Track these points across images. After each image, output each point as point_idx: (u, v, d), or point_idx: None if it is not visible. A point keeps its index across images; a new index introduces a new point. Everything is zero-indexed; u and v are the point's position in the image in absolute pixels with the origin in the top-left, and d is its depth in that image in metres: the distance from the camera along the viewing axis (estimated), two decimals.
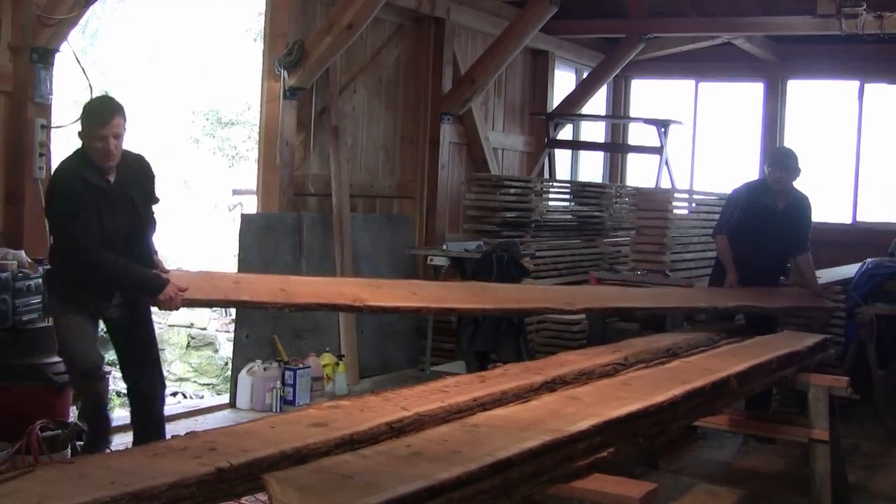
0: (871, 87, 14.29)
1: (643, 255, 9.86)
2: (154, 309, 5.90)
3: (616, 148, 15.91)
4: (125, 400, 14.21)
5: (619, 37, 14.35)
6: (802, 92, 14.93)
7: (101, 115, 5.55)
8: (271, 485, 3.13)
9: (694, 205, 11.39)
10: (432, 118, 11.53)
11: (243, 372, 8.83)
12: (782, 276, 8.83)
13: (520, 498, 3.63)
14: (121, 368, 6.17)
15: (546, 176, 13.60)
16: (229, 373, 9.76)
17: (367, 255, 10.41)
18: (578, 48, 14.80)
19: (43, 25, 7.13)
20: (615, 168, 16.07)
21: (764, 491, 7.12)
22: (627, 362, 5.72)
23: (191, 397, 14.64)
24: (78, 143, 5.71)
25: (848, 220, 14.23)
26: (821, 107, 14.84)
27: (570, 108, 14.36)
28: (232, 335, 9.62)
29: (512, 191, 10.78)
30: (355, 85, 10.51)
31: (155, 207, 6.02)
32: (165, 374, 16.76)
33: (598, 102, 15.60)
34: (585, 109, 14.81)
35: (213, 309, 21.85)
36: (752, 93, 15.18)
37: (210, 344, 16.50)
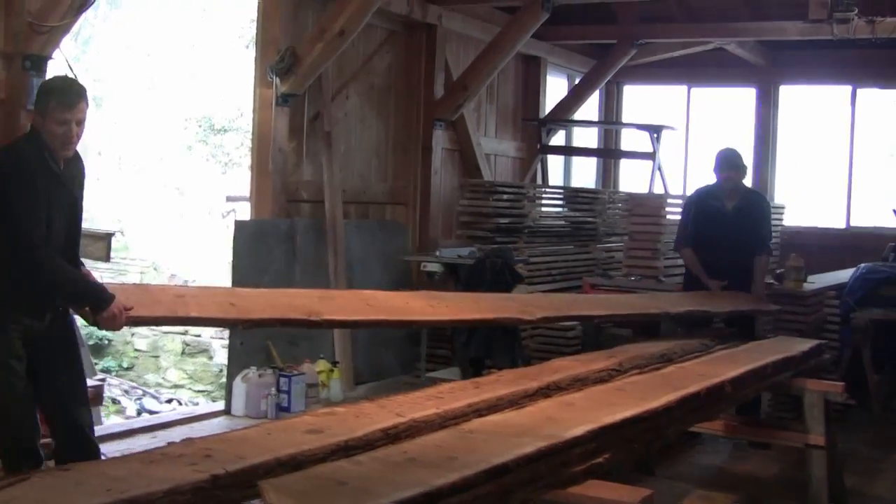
0: (863, 92, 14.30)
1: (637, 261, 9.86)
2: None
3: (609, 154, 15.92)
4: (121, 406, 14.16)
5: (611, 42, 14.37)
6: (795, 97, 14.94)
7: (67, 96, 5.01)
8: (267, 491, 3.13)
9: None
10: (425, 124, 11.53)
11: (238, 379, 8.82)
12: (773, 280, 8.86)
13: None
14: (42, 408, 5.18)
15: (539, 182, 13.61)
16: (224, 379, 9.75)
17: (361, 261, 10.41)
18: (570, 54, 14.81)
19: (35, 33, 7.13)
20: (608, 174, 16.08)
21: (760, 496, 7.14)
22: (622, 368, 5.72)
23: (186, 404, 14.64)
24: None
25: (842, 225, 14.22)
26: (813, 112, 14.85)
27: (563, 114, 14.36)
28: (227, 342, 9.62)
29: (505, 197, 10.78)
30: (347, 91, 10.51)
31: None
32: (161, 381, 16.65)
33: (590, 108, 15.61)
34: (578, 115, 14.82)
35: None
36: (744, 98, 15.19)
37: (205, 351, 16.49)
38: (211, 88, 27.63)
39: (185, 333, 15.73)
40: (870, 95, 14.41)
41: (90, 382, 7.72)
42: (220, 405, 9.27)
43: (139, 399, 14.94)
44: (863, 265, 9.88)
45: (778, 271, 9.47)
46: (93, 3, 7.35)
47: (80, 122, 5.03)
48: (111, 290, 4.82)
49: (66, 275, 4.89)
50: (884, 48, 11.95)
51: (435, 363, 10.26)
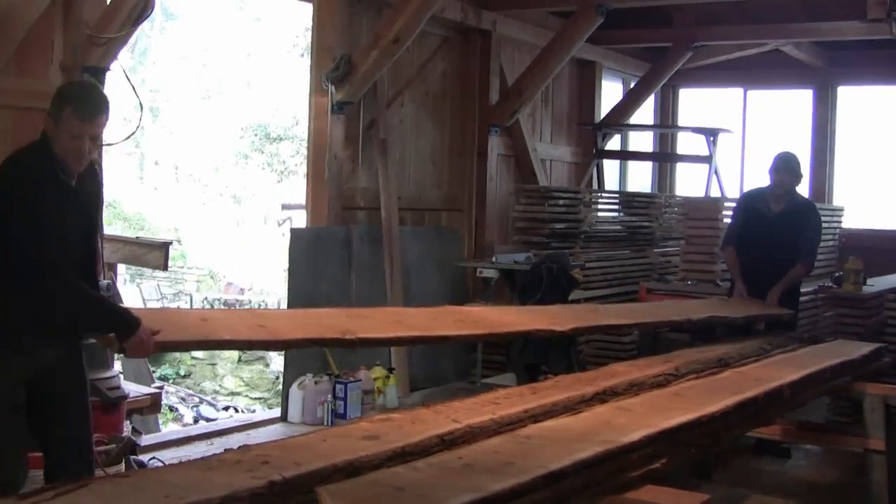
0: None
1: (693, 265, 9.81)
2: None
3: (665, 157, 15.84)
4: (177, 414, 14.26)
5: (666, 46, 14.29)
6: (853, 98, 14.79)
7: (86, 106, 4.49)
8: (324, 498, 3.14)
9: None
10: (480, 130, 11.53)
11: (294, 386, 8.86)
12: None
13: None
14: (43, 447, 4.69)
15: (595, 186, 13.56)
16: (280, 387, 9.79)
17: (417, 267, 10.42)
18: (625, 58, 14.76)
19: (93, 45, 7.21)
20: (664, 178, 16.00)
21: (819, 502, 7.05)
22: (679, 373, 5.68)
23: (242, 411, 14.75)
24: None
25: None
26: (872, 113, 14.68)
27: (618, 118, 14.31)
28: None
29: (561, 202, 10.75)
30: (402, 98, 10.54)
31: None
32: (217, 388, 16.74)
33: (645, 112, 15.54)
34: (633, 119, 14.76)
35: None
36: (801, 100, 15.06)
37: (261, 358, 16.62)
38: (266, 97, 27.84)
39: None
40: None
41: (148, 390, 7.85)
42: (277, 412, 9.32)
43: (196, 406, 15.07)
44: None
45: (836, 274, 9.37)
46: (150, 15, 7.42)
47: (97, 137, 4.62)
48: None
49: (90, 297, 4.42)
50: None
51: (491, 369, 10.25)
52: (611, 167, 14.68)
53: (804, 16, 12.83)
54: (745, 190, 8.70)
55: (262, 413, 11.96)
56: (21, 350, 4.41)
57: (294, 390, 8.85)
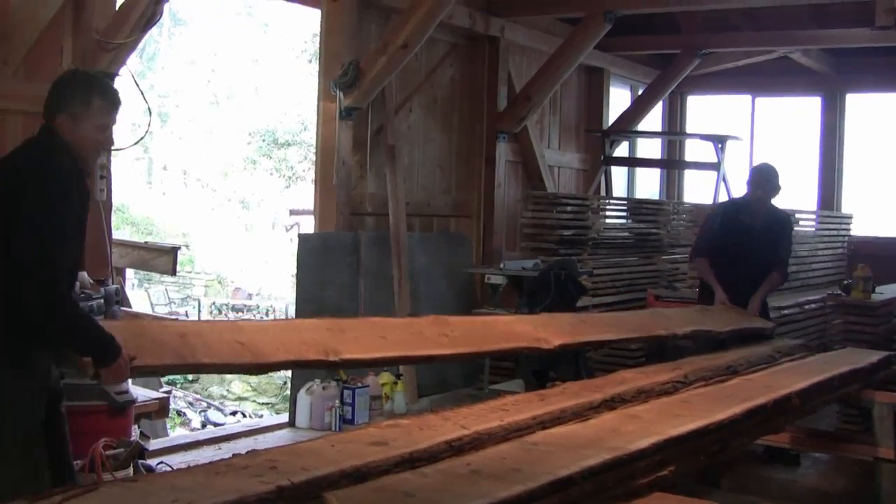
0: None
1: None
2: None
3: (673, 164, 15.85)
4: (185, 418, 14.27)
5: (675, 52, 14.31)
6: (861, 105, 14.78)
7: (113, 94, 4.33)
8: (332, 503, 3.14)
9: None
10: (488, 136, 11.54)
11: (302, 391, 8.86)
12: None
13: None
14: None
15: (603, 193, 13.55)
16: (288, 392, 9.80)
17: (425, 273, 10.43)
18: (633, 65, 14.77)
19: (102, 50, 7.22)
20: (672, 185, 16.00)
21: None
22: (687, 380, 5.67)
23: (250, 416, 14.75)
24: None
25: None
26: (880, 120, 14.67)
27: (626, 125, 14.32)
28: None
29: (569, 208, 10.74)
30: (411, 104, 10.56)
31: None
32: (225, 393, 16.75)
33: (653, 119, 15.56)
34: (641, 126, 14.77)
35: None
36: (809, 107, 15.06)
37: None
38: (274, 103, 27.91)
39: None
40: None
41: (156, 395, 7.87)
42: (284, 417, 9.32)
43: (204, 411, 15.09)
44: None
45: (845, 282, 9.36)
46: (158, 20, 7.43)
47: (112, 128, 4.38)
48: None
49: (87, 319, 4.10)
50: None
51: (498, 375, 10.24)
52: (619, 174, 14.67)
53: (813, 23, 12.84)
54: (719, 203, 8.58)
55: (269, 418, 11.97)
56: (35, 371, 4.15)
57: (302, 395, 8.85)
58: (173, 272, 10.44)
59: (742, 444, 5.46)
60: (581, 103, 13.97)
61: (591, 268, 10.44)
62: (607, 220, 11.87)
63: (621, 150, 14.53)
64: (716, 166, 13.23)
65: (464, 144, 11.42)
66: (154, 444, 7.63)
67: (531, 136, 12.24)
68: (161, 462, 6.90)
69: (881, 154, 14.56)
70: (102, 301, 6.52)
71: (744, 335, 7.51)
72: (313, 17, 9.90)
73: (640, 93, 15.08)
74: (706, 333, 7.12)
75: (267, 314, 22.77)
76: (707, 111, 16.19)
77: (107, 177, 7.34)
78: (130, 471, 6.02)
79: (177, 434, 10.67)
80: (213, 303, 23.55)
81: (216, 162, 28.24)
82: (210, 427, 13.30)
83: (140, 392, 7.53)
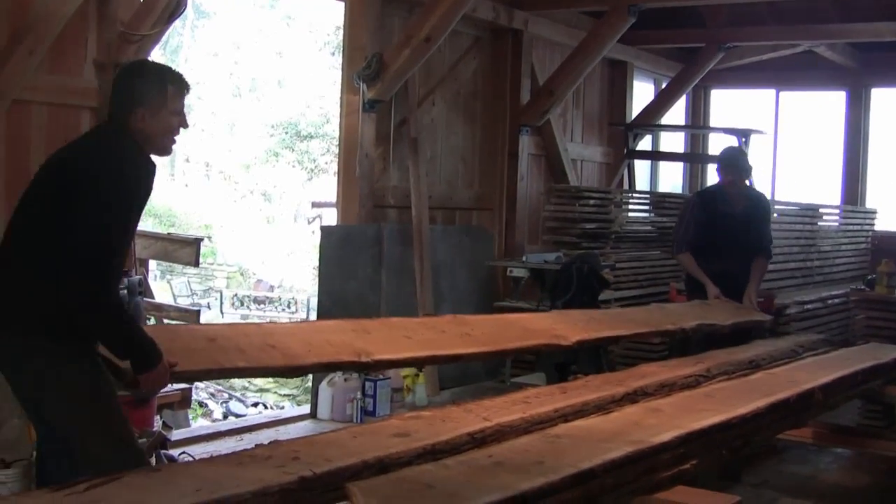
0: None
1: None
2: None
3: (696, 158, 15.77)
4: (207, 409, 14.30)
5: (698, 46, 14.24)
6: (887, 100, 14.69)
7: (183, 80, 4.35)
8: (354, 494, 3.16)
9: (776, 215, 11.26)
10: (511, 130, 11.52)
11: (324, 383, 8.88)
12: None
13: None
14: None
15: (625, 187, 13.52)
16: (310, 384, 9.82)
17: (447, 266, 10.43)
18: (657, 58, 14.72)
19: (126, 42, 7.25)
20: (695, 178, 15.93)
21: None
22: (710, 374, 5.67)
23: (271, 408, 14.79)
24: None
25: None
26: None
27: (649, 119, 14.28)
28: None
29: (591, 202, 10.73)
30: (434, 97, 10.54)
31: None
32: (246, 384, 16.81)
33: (677, 113, 15.49)
34: (664, 120, 14.72)
35: (294, 320, 21.96)
36: (834, 102, 14.98)
37: None
38: (297, 95, 27.95)
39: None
40: None
41: (178, 386, 7.90)
42: (306, 409, 9.34)
43: (225, 402, 15.12)
44: None
45: (869, 277, 9.32)
46: (182, 12, 7.46)
47: None
48: None
49: (132, 323, 4.02)
50: None
51: (520, 368, 10.23)
52: (642, 167, 14.63)
53: (838, 17, 12.76)
54: (693, 193, 8.48)
55: (291, 409, 11.99)
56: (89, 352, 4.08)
57: (323, 387, 8.87)
58: (196, 264, 10.46)
59: (765, 439, 5.46)
60: (604, 97, 13.92)
61: (613, 261, 10.42)
62: (630, 214, 11.84)
63: (644, 144, 14.48)
64: None
65: (487, 138, 11.40)
66: (176, 435, 7.65)
67: (554, 130, 12.21)
68: (183, 452, 6.94)
69: None
70: (126, 292, 6.55)
71: (745, 329, 7.52)
72: (337, 9, 9.91)
73: (663, 86, 15.02)
74: (710, 328, 7.11)
75: (289, 306, 22.81)
76: (731, 105, 16.12)
77: None
78: (153, 461, 6.05)
79: (199, 425, 10.70)
80: (235, 294, 23.60)
81: (239, 154, 28.31)
82: (232, 418, 13.32)
83: None
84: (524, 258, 10.54)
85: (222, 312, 22.33)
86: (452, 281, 10.41)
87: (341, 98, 9.67)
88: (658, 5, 11.87)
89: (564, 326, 6.05)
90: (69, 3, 6.77)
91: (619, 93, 14.12)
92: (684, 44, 14.56)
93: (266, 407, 15.22)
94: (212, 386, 15.57)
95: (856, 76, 14.48)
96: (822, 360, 6.53)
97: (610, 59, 13.34)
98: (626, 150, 13.68)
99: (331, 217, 10.54)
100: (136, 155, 4.13)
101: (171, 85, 4.25)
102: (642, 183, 14.58)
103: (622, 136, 13.73)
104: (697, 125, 15.89)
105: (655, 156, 15.14)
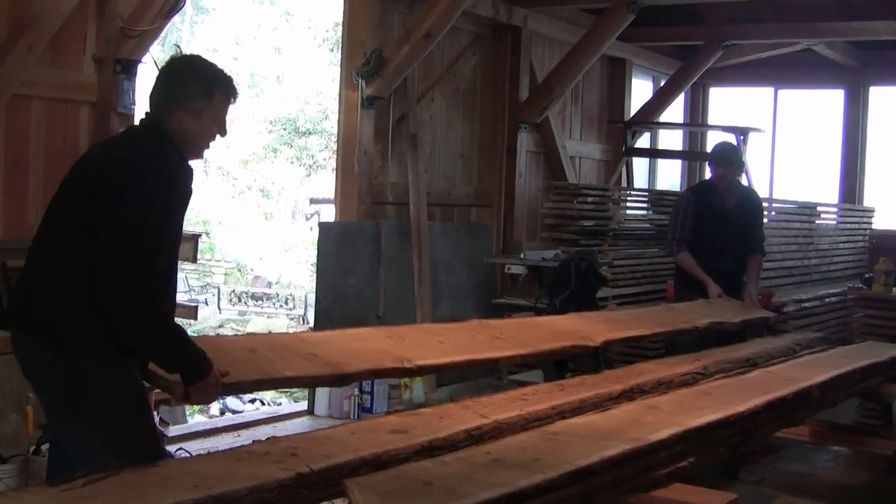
0: None
1: None
2: None
3: (694, 156, 15.77)
4: (203, 405, 14.33)
5: (697, 44, 14.25)
6: (885, 98, 14.69)
7: (233, 87, 4.12)
8: (352, 490, 3.16)
9: (773, 213, 11.26)
10: (510, 127, 11.52)
11: None
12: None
13: None
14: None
15: (624, 184, 13.52)
16: None
17: (445, 263, 10.43)
18: (656, 56, 14.72)
19: (126, 37, 7.25)
20: (693, 176, 15.91)
21: None
22: (707, 372, 5.67)
23: (269, 404, 14.76)
24: None
25: None
26: None
27: (648, 117, 14.27)
28: None
29: (590, 199, 10.73)
30: (433, 94, 10.54)
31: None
32: None
33: (675, 110, 15.50)
34: (663, 117, 14.72)
35: (291, 317, 21.98)
36: (832, 100, 14.98)
37: None
38: (296, 91, 27.91)
39: (268, 334, 15.84)
40: None
41: None
42: (303, 405, 9.35)
43: (223, 398, 15.10)
44: None
45: (866, 275, 9.33)
46: (181, 7, 7.46)
47: None
48: None
49: (180, 336, 3.76)
50: None
51: (518, 365, 10.22)
52: (640, 165, 14.64)
53: (837, 15, 12.77)
54: (685, 189, 8.47)
55: (288, 406, 11.98)
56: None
57: None
58: (194, 259, 10.42)
59: (762, 437, 5.46)
60: (603, 94, 13.93)
61: (611, 259, 10.40)
62: (628, 211, 11.83)
63: (643, 142, 14.48)
64: None
65: (485, 134, 11.40)
66: (173, 431, 7.66)
67: (553, 127, 12.21)
68: (180, 448, 6.95)
69: None
70: None
71: (754, 325, 7.53)
72: (336, 5, 9.91)
73: (662, 84, 15.03)
74: (720, 325, 7.11)
75: (286, 303, 22.80)
76: (729, 103, 16.12)
77: None
78: None
79: (196, 421, 10.68)
80: (233, 291, 23.60)
81: (237, 150, 28.27)
82: (229, 414, 13.31)
83: None
84: (522, 255, 10.54)
85: (220, 308, 22.33)
86: (451, 277, 10.41)
87: (340, 94, 9.67)
88: (657, 3, 11.88)
89: (588, 327, 6.12)
90: None
91: (618, 90, 14.13)
92: (683, 41, 14.57)
93: (263, 403, 15.19)
94: None
95: (854, 74, 14.48)
96: (819, 358, 6.54)
97: (609, 56, 13.35)
98: (624, 148, 13.67)
99: (329, 213, 10.54)
100: (173, 158, 3.94)
101: (219, 92, 4.02)
102: (641, 180, 14.59)
103: (621, 133, 13.73)
104: (696, 123, 15.89)
105: (654, 153, 15.15)
